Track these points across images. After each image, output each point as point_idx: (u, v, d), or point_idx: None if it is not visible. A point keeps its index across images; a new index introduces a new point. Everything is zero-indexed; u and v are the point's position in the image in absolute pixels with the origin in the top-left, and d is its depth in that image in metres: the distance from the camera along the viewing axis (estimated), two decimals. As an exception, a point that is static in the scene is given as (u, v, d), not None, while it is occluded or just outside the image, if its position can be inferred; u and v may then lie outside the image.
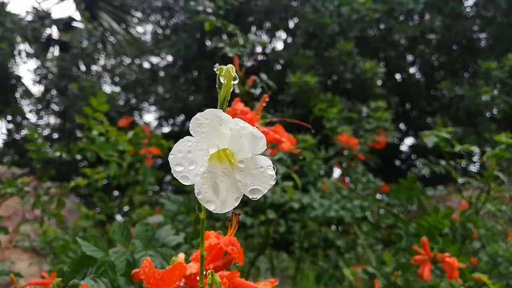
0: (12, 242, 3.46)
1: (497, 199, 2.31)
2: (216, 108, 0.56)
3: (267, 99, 1.07)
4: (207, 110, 0.47)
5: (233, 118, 1.14)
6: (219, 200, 0.50)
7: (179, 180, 0.47)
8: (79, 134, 2.11)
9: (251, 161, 0.50)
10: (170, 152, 0.46)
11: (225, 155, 0.52)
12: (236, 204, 0.50)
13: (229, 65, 0.54)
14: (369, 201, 2.34)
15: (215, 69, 0.55)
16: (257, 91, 1.71)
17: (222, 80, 0.54)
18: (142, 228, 1.11)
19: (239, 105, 1.14)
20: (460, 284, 1.19)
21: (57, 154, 1.94)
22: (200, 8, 2.01)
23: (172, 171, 0.46)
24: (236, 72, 0.55)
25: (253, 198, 0.50)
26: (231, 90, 0.55)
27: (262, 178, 0.50)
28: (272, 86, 1.69)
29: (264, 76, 1.73)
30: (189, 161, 0.47)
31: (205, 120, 0.47)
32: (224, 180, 0.50)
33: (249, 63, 1.72)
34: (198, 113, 0.47)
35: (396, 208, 2.42)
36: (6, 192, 1.95)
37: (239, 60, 1.65)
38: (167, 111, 7.66)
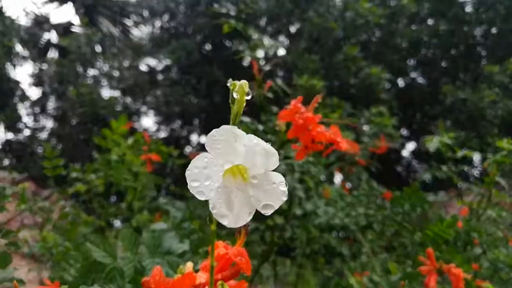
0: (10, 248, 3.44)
1: (498, 205, 2.32)
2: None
3: (318, 100, 1.12)
4: (223, 127, 0.48)
5: (293, 115, 1.18)
6: (233, 214, 0.51)
7: (195, 195, 0.48)
8: (95, 155, 2.13)
9: (264, 177, 0.51)
10: (187, 168, 0.48)
11: (239, 171, 0.53)
12: (249, 218, 0.51)
13: (243, 81, 0.55)
14: (374, 209, 2.35)
15: (228, 85, 0.56)
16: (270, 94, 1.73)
17: (235, 96, 0.55)
18: (149, 235, 1.11)
19: (299, 105, 1.18)
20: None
21: (74, 175, 1.96)
22: (224, 10, 2.03)
23: (188, 187, 0.47)
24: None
25: (265, 213, 0.51)
26: (244, 105, 0.55)
27: (275, 194, 0.51)
28: (287, 91, 1.72)
29: (279, 81, 1.77)
30: (205, 177, 0.48)
31: (220, 137, 0.49)
32: (237, 195, 0.51)
33: (266, 67, 1.75)
34: (214, 130, 0.48)
35: (400, 216, 2.42)
36: (18, 209, 1.95)
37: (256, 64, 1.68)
38: (166, 115, 7.67)
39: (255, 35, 1.78)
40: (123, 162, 2.13)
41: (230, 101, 0.56)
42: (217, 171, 0.49)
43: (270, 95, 1.58)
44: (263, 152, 0.49)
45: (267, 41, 1.85)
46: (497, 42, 5.78)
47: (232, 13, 1.80)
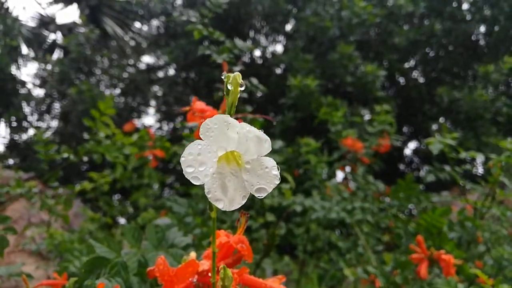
0: (18, 246, 3.49)
1: (502, 203, 2.31)
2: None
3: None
4: (216, 116, 0.51)
5: (190, 116, 1.19)
6: (227, 198, 0.54)
7: (190, 180, 0.51)
8: (86, 136, 2.17)
9: (257, 162, 0.54)
10: (182, 155, 0.50)
11: (233, 156, 0.55)
12: (243, 202, 0.54)
13: (236, 73, 0.58)
14: (370, 202, 2.37)
15: (222, 77, 0.59)
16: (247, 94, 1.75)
17: (229, 87, 0.58)
18: (152, 230, 1.14)
19: (197, 104, 1.20)
20: (457, 281, 1.20)
21: (65, 155, 1.99)
22: (184, 18, 2.06)
23: (183, 172, 0.50)
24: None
25: (259, 196, 0.54)
26: (238, 96, 0.58)
27: (267, 177, 0.54)
28: (262, 89, 1.74)
29: (254, 80, 1.79)
30: (199, 163, 0.51)
31: (213, 125, 0.51)
32: (232, 180, 0.54)
33: (237, 68, 1.77)
34: (207, 119, 0.51)
35: (396, 208, 2.43)
36: (15, 193, 1.99)
37: (229, 66, 1.71)
38: (166, 113, 7.72)
39: (222, 38, 1.80)
40: (114, 144, 2.18)
41: (225, 93, 0.59)
42: (211, 157, 0.52)
43: (245, 95, 1.61)
44: (256, 139, 0.52)
45: (239, 42, 1.86)
46: (500, 40, 5.75)
47: (194, 19, 1.82)
